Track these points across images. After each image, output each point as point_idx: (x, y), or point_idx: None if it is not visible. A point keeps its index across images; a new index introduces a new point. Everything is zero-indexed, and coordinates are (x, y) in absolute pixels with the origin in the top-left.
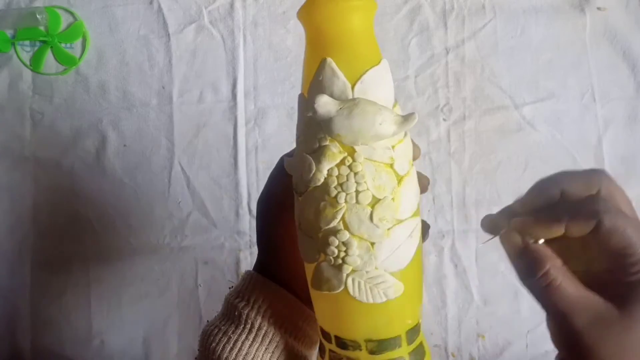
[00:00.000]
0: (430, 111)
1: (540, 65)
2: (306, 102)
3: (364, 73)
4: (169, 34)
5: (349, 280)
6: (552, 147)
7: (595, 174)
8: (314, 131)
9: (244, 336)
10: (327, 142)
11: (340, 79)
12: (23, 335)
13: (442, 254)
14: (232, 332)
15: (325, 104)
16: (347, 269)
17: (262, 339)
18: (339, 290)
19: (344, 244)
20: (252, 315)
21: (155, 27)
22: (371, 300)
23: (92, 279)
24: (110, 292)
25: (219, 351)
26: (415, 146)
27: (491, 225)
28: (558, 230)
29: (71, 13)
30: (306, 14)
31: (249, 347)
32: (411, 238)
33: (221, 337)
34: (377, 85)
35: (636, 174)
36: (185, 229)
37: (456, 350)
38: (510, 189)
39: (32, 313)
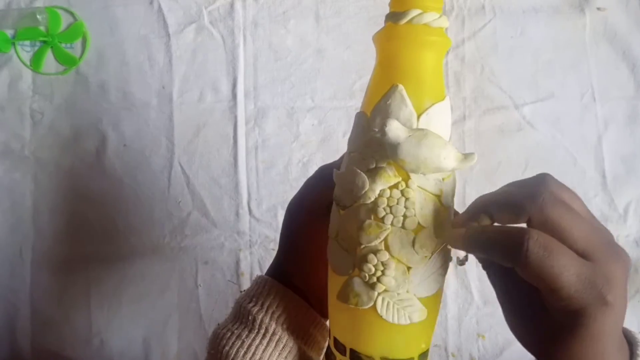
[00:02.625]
0: None
1: (540, 65)
2: (368, 121)
3: (431, 106)
4: (169, 34)
5: (379, 299)
6: (552, 147)
7: (528, 201)
8: (372, 151)
9: (257, 340)
10: (384, 165)
11: (408, 108)
12: (23, 335)
13: None
14: (246, 336)
15: (396, 129)
16: (380, 287)
17: (276, 344)
18: (367, 307)
19: (382, 264)
20: (267, 320)
21: (156, 27)
22: (396, 321)
23: (92, 279)
24: (110, 292)
25: (233, 354)
26: None
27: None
28: (480, 256)
29: (71, 13)
30: (383, 40)
31: (263, 351)
32: (442, 268)
33: (234, 341)
34: (439, 120)
35: (636, 174)
36: (185, 228)
37: (456, 350)
38: None
39: (32, 313)
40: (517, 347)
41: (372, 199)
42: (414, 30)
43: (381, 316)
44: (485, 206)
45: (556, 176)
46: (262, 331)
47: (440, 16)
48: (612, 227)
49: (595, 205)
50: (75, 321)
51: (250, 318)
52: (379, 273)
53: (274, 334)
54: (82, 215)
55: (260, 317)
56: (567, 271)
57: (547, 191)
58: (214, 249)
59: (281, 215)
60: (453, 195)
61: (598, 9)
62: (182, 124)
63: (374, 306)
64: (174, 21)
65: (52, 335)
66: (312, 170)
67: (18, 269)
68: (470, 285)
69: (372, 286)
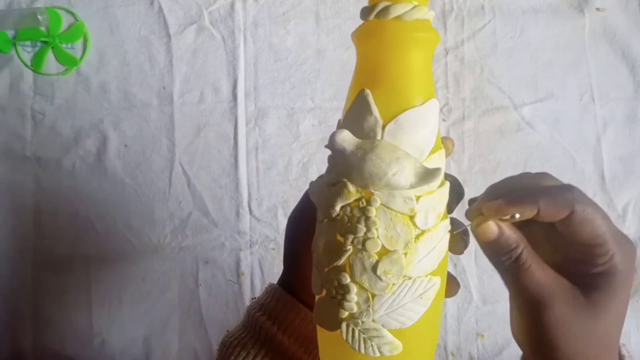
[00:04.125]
0: None
1: (539, 66)
2: None
3: (402, 112)
4: (169, 35)
5: (344, 325)
6: (551, 148)
7: (573, 196)
8: (335, 163)
9: (263, 352)
10: (345, 179)
11: (373, 115)
12: (24, 334)
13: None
14: (252, 347)
15: (342, 141)
16: (343, 313)
17: (281, 356)
18: (333, 331)
19: (342, 286)
20: (273, 330)
21: (156, 28)
22: (363, 352)
23: (93, 279)
24: (111, 292)
25: None
26: (448, 139)
27: (475, 214)
28: (531, 212)
29: (72, 14)
30: (357, 38)
31: None
32: (421, 299)
33: (240, 351)
34: (414, 128)
35: (635, 174)
36: (185, 228)
37: (455, 349)
38: None
39: (33, 313)
40: (517, 346)
41: (334, 216)
42: (382, 25)
43: (348, 344)
44: (534, 197)
45: (555, 176)
46: (268, 342)
47: (414, 7)
48: None
49: None
50: (77, 321)
51: (257, 327)
52: (339, 297)
53: (279, 344)
54: (83, 215)
55: (266, 327)
56: (610, 229)
57: (579, 189)
58: (214, 248)
59: (281, 215)
60: (440, 215)
61: (597, 9)
62: (183, 124)
63: (341, 332)
64: (174, 22)
65: (53, 335)
66: (312, 171)
67: (19, 269)
68: (470, 284)
69: (336, 310)
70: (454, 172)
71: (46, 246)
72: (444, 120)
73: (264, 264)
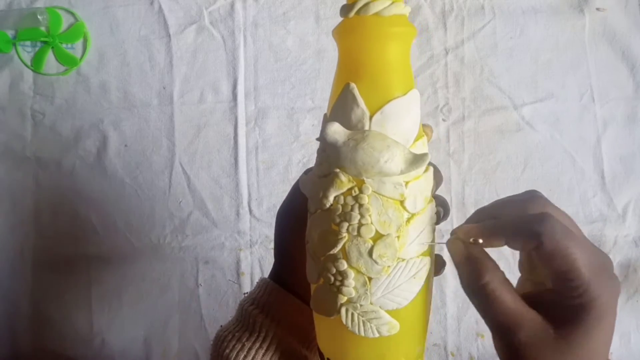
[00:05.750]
0: (429, 111)
1: (539, 66)
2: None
3: (387, 103)
4: (169, 35)
5: (343, 310)
6: (551, 147)
7: (541, 227)
8: (326, 155)
9: (257, 344)
10: (337, 170)
11: (360, 107)
12: (24, 334)
13: (442, 253)
14: (246, 340)
15: (334, 133)
16: (341, 298)
17: (276, 348)
18: (332, 317)
19: (340, 273)
20: (267, 323)
21: (156, 28)
22: (363, 334)
23: (93, 279)
24: (111, 292)
25: (233, 358)
26: (427, 127)
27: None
28: (498, 242)
29: (72, 14)
30: (339, 35)
31: (263, 356)
32: (414, 279)
33: (235, 344)
34: (399, 117)
35: (635, 174)
36: (185, 228)
37: (455, 349)
38: (509, 189)
39: (33, 312)
40: None
41: (328, 206)
42: (363, 21)
43: (347, 328)
44: (502, 230)
45: (555, 176)
46: (262, 335)
47: (391, 3)
48: (610, 227)
49: (594, 205)
50: (76, 321)
51: (251, 321)
52: (338, 283)
53: (273, 337)
54: (83, 215)
55: (260, 320)
56: (588, 263)
57: (554, 219)
58: (214, 248)
59: None
60: (427, 198)
61: (597, 9)
62: (183, 124)
63: (340, 317)
64: (174, 22)
65: (53, 335)
66: None
67: (19, 269)
68: None
69: (334, 295)
70: (454, 173)
71: (46, 246)
72: (443, 120)
73: (264, 264)
